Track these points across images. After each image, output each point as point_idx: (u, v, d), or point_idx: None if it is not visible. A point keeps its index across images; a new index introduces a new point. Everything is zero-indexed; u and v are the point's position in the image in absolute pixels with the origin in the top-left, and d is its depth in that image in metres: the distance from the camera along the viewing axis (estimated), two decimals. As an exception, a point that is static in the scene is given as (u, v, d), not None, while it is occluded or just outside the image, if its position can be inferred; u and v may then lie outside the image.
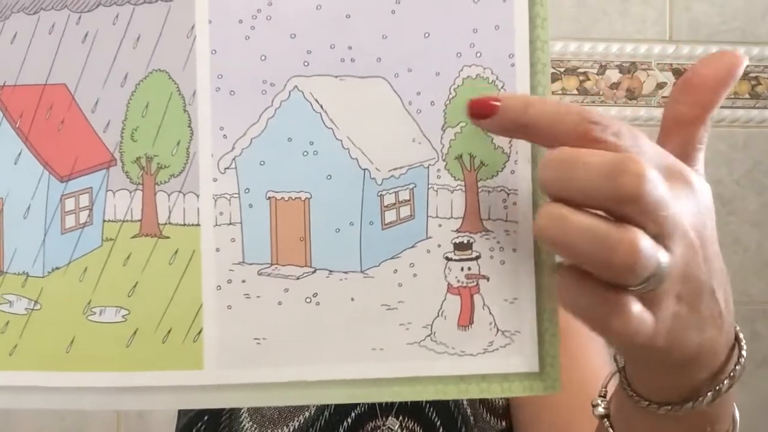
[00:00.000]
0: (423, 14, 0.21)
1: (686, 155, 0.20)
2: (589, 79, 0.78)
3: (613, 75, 0.78)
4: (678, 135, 0.20)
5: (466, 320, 0.21)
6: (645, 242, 0.16)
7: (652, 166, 0.17)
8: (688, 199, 0.18)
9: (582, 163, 0.17)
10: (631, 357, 0.20)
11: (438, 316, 0.21)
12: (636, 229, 0.17)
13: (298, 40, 0.21)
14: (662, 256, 0.17)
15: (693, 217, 0.18)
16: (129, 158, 0.21)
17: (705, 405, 0.19)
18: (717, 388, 0.19)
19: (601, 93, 0.78)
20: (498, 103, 0.19)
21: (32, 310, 0.21)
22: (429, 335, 0.21)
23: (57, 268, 0.21)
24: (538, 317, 0.21)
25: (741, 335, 0.20)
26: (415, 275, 0.21)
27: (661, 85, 0.76)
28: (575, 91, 0.78)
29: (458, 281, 0.22)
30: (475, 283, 0.22)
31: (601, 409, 0.22)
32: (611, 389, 0.23)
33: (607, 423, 0.22)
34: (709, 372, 0.19)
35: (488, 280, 0.22)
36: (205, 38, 0.21)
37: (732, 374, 0.20)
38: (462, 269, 0.22)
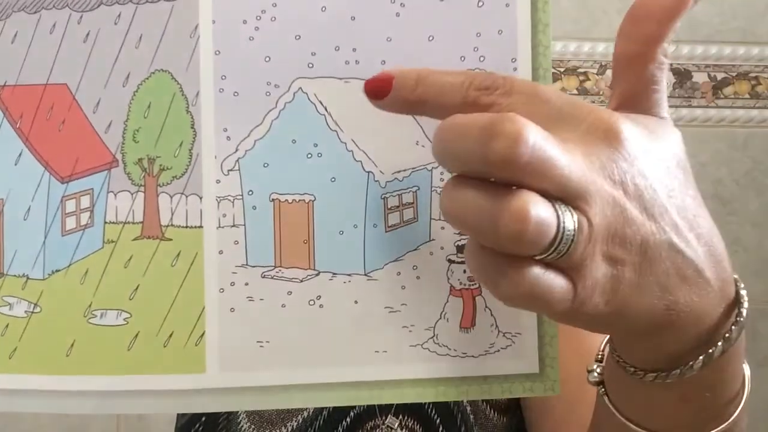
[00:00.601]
0: (427, 17, 0.22)
1: (640, 98, 0.18)
2: (589, 79, 0.79)
3: (612, 75, 0.78)
4: (626, 75, 0.18)
5: (468, 322, 0.22)
6: (538, 208, 0.15)
7: (549, 121, 0.16)
8: (607, 152, 0.16)
9: (457, 130, 0.16)
10: (586, 328, 0.18)
11: (441, 318, 0.22)
12: (527, 194, 0.15)
13: (303, 42, 0.21)
14: (566, 219, 0.16)
15: (617, 170, 0.16)
16: (131, 159, 0.21)
17: (696, 371, 0.18)
18: (709, 351, 0.18)
19: (601, 93, 0.79)
20: (391, 83, 0.18)
21: (32, 312, 0.21)
22: (432, 337, 0.22)
23: (57, 271, 0.21)
24: (538, 319, 0.22)
25: (743, 292, 0.18)
26: (418, 277, 0.22)
27: (660, 86, 0.77)
28: (575, 91, 0.79)
29: (461, 283, 0.22)
30: (477, 285, 0.22)
31: (595, 375, 0.21)
32: (606, 353, 0.21)
33: (602, 390, 0.21)
34: (695, 335, 0.18)
35: (491, 282, 0.22)
36: (208, 38, 0.21)
37: (727, 336, 0.18)
38: (464, 271, 0.22)
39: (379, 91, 0.19)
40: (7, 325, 0.21)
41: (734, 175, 0.80)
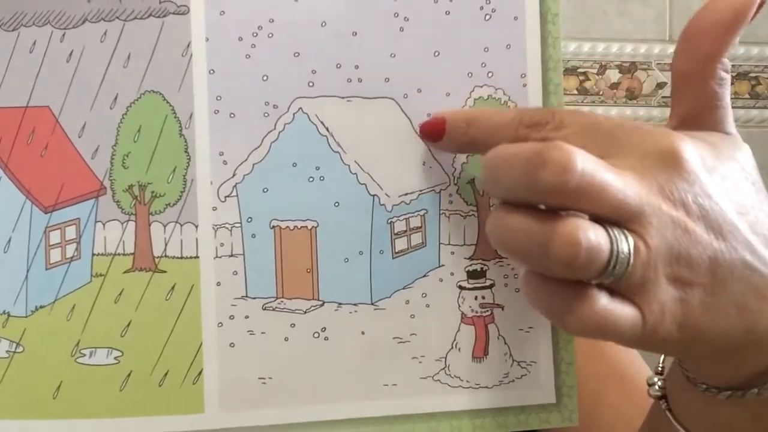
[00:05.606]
0: (432, 32, 0.22)
1: (703, 115, 0.19)
2: (589, 79, 0.80)
3: (613, 75, 0.80)
4: (686, 94, 0.19)
5: (480, 351, 0.22)
6: (588, 232, 0.16)
7: (603, 149, 0.17)
8: (665, 173, 0.17)
9: (504, 160, 0.17)
10: (661, 353, 0.19)
11: (452, 348, 0.22)
12: (577, 219, 0.16)
13: (302, 59, 0.21)
14: (620, 242, 0.16)
15: (676, 191, 0.17)
16: (120, 186, 0.21)
17: None
18: None
19: (601, 93, 0.80)
20: (444, 125, 0.20)
21: (14, 352, 0.21)
22: (443, 368, 0.22)
23: (41, 307, 0.21)
24: (554, 346, 0.22)
25: None
26: (427, 306, 0.22)
27: (661, 85, 0.79)
28: (575, 91, 0.80)
29: (472, 311, 0.22)
30: (489, 313, 0.22)
31: (657, 389, 0.21)
32: (668, 365, 0.21)
33: (665, 405, 0.21)
34: None
35: (503, 309, 0.22)
36: (202, 57, 0.21)
37: None
38: (476, 298, 0.22)
39: (433, 133, 0.21)
40: (-14, 367, 0.21)
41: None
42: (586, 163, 0.16)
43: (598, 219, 0.16)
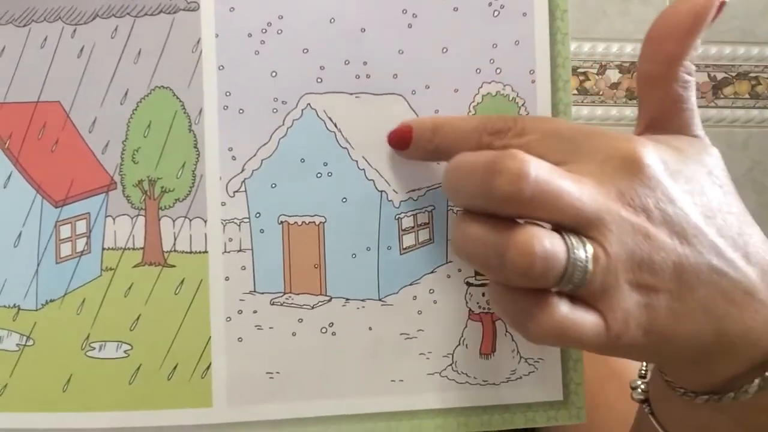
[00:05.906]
0: (441, 28, 0.22)
1: (669, 118, 0.19)
2: (589, 79, 0.80)
3: (613, 75, 0.80)
4: (651, 97, 0.19)
5: (488, 348, 0.22)
6: (543, 241, 0.16)
7: (565, 155, 0.17)
8: (626, 179, 0.17)
9: (463, 169, 0.17)
10: (631, 358, 0.18)
11: (459, 344, 0.22)
12: (532, 228, 0.16)
13: (311, 56, 0.21)
14: (577, 250, 0.16)
15: (636, 197, 0.16)
16: (130, 181, 0.21)
17: (751, 394, 0.18)
18: (766, 374, 0.17)
19: (601, 93, 0.80)
20: (411, 133, 0.20)
21: (24, 346, 0.21)
22: (450, 365, 0.22)
23: (52, 301, 0.21)
24: (561, 343, 0.22)
25: None
26: (435, 302, 0.22)
27: (663, 86, 0.79)
28: (575, 91, 0.80)
29: (479, 307, 0.22)
30: (496, 309, 0.22)
31: (640, 392, 0.21)
32: (651, 368, 0.21)
33: (648, 408, 0.21)
34: (750, 358, 0.17)
35: (510, 305, 0.22)
36: (211, 53, 0.21)
37: None
38: (483, 294, 0.22)
39: (400, 142, 0.20)
40: (-4, 360, 0.21)
41: (734, 174, 0.79)
42: (540, 171, 0.16)
43: (558, 227, 0.16)
